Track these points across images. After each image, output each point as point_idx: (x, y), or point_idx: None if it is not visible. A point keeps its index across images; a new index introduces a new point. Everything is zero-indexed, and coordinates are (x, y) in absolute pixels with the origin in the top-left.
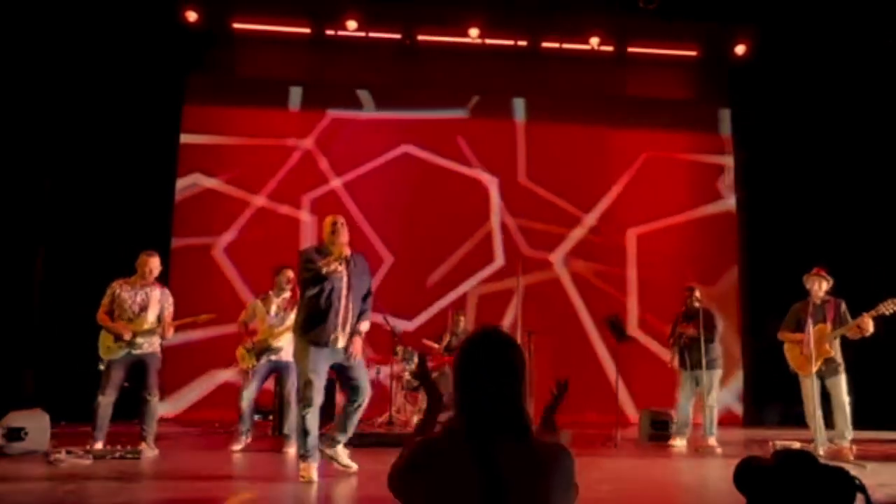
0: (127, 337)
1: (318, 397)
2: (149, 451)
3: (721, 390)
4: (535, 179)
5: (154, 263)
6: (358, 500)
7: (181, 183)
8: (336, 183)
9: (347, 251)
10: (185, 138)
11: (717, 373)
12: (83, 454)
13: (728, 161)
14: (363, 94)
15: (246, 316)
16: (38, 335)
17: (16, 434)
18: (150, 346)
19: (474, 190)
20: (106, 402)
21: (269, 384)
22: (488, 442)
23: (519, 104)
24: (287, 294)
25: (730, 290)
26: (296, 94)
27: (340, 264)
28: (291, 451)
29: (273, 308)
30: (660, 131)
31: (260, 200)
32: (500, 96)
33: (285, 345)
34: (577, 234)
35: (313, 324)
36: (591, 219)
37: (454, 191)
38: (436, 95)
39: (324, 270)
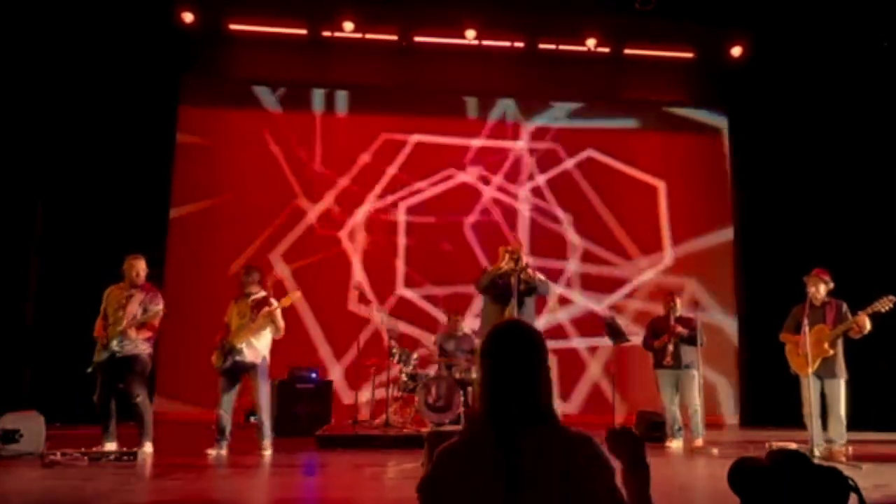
0: (103, 341)
1: None
2: (144, 452)
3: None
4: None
5: (140, 266)
6: (358, 502)
7: (176, 185)
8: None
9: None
10: (180, 139)
11: (697, 373)
12: (79, 456)
13: (723, 161)
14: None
15: (227, 317)
16: (33, 337)
17: (11, 436)
18: (133, 348)
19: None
20: (100, 403)
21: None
22: (512, 428)
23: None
24: (257, 295)
25: (727, 291)
26: (293, 95)
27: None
28: (266, 453)
29: (242, 309)
30: (656, 132)
31: (260, 200)
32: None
33: (245, 346)
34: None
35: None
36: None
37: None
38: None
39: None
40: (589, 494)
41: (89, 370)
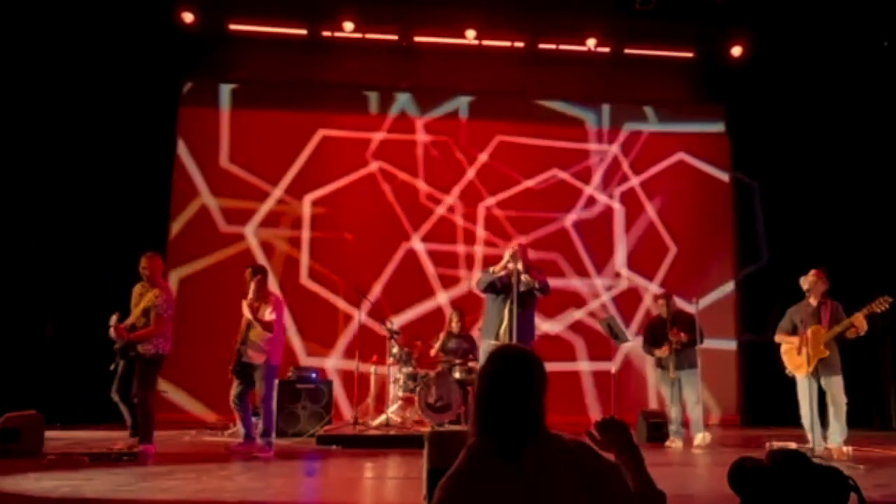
0: (115, 338)
1: None
2: (143, 452)
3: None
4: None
5: (142, 263)
6: (358, 503)
7: (177, 185)
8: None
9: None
10: (180, 139)
11: (697, 373)
12: (79, 456)
13: (723, 161)
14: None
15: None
16: (33, 337)
17: (11, 436)
18: (138, 347)
19: None
20: (114, 398)
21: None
22: (509, 436)
23: None
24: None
25: (727, 291)
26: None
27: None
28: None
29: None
30: (655, 132)
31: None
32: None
33: (249, 346)
34: None
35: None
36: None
37: None
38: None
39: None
40: (608, 492)
41: (112, 367)
